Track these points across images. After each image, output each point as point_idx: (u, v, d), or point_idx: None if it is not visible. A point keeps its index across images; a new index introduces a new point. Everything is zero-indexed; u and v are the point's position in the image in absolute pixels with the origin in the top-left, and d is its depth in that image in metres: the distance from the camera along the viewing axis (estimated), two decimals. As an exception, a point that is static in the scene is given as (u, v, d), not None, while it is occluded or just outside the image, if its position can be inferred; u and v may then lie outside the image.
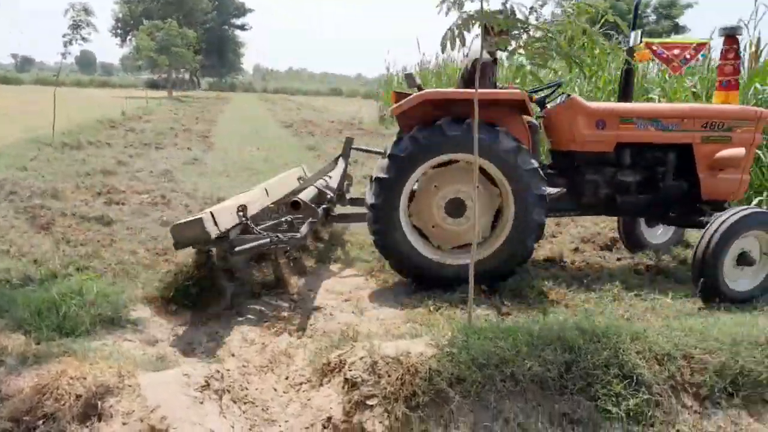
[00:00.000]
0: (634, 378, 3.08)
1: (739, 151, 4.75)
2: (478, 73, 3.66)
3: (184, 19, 48.29)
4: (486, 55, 4.73)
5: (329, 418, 2.92)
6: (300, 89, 61.06)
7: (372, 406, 2.87)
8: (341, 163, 5.99)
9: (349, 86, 68.49)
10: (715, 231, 4.29)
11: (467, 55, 5.22)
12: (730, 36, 5.16)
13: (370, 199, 4.48)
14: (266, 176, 8.86)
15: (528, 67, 3.41)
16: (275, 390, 3.23)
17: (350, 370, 3.01)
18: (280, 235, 4.39)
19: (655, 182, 4.92)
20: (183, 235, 3.97)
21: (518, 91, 4.63)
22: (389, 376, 2.94)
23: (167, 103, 30.69)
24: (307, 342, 3.73)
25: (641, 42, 5.54)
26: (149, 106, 25.09)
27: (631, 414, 2.97)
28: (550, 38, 3.42)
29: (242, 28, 70.49)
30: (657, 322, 3.83)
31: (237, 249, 4.26)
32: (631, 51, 5.46)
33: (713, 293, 4.32)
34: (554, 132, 5.03)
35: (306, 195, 5.24)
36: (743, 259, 4.40)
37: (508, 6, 3.37)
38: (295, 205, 4.85)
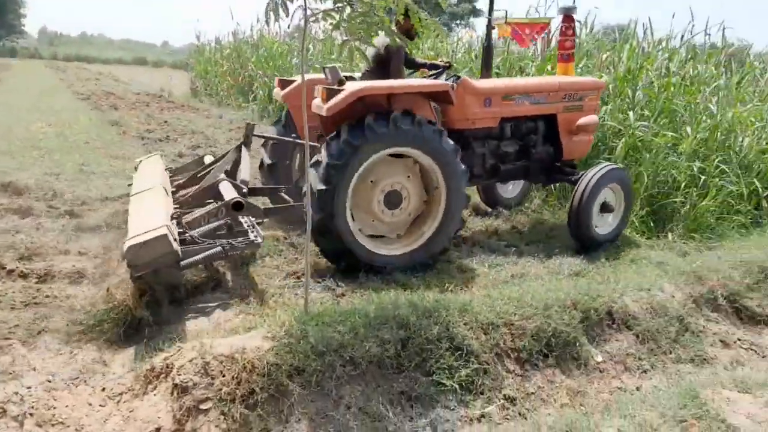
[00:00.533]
0: (464, 349, 3.23)
1: (594, 117, 5.61)
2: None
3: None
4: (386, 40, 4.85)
5: (158, 429, 2.65)
6: (98, 57, 55.09)
7: (206, 410, 2.66)
8: (244, 153, 5.19)
9: (154, 55, 63.40)
10: (587, 185, 5.08)
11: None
12: (567, 15, 5.77)
13: (316, 186, 4.17)
14: (62, 155, 7.90)
15: (353, 43, 3.31)
16: (90, 405, 2.85)
17: (179, 374, 2.75)
18: (232, 242, 3.96)
19: (528, 149, 5.45)
20: (144, 258, 3.37)
21: (443, 82, 4.75)
22: (224, 376, 2.74)
23: (-73, 68, 25.88)
24: (125, 347, 3.35)
25: (506, 21, 6.21)
26: None
27: (464, 385, 3.12)
28: (373, 13, 3.37)
29: (22, -16, 61.55)
30: (479, 291, 4.06)
31: (185, 263, 3.67)
32: (489, 28, 5.90)
33: (586, 237, 5.19)
34: (446, 112, 5.11)
35: (227, 191, 4.53)
36: (605, 208, 5.28)
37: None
38: (238, 206, 4.24)
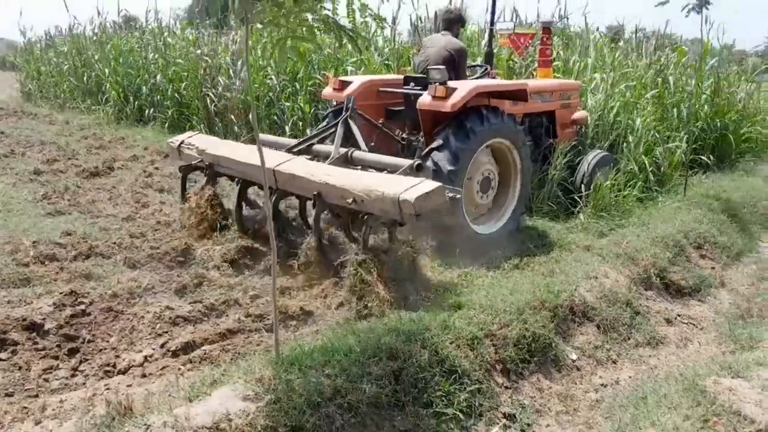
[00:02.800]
0: (458, 371, 3.01)
1: (585, 113, 6.60)
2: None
3: None
4: (460, 42, 5.72)
5: None
6: None
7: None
8: (353, 126, 5.05)
9: (-42, 53, 55.40)
10: (588, 165, 6.06)
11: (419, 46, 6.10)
12: (546, 27, 6.61)
13: (446, 167, 4.61)
14: None
15: (289, 42, 2.96)
16: None
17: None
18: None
19: (538, 139, 6.10)
20: (426, 207, 3.59)
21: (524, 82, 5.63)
22: (216, 456, 2.26)
23: None
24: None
25: (513, 33, 6.90)
26: None
27: (464, 410, 2.89)
28: (317, 6, 2.98)
29: None
30: (444, 300, 3.84)
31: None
32: (491, 36, 6.42)
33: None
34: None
35: None
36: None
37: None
38: (419, 168, 4.46)
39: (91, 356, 3.24)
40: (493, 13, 6.47)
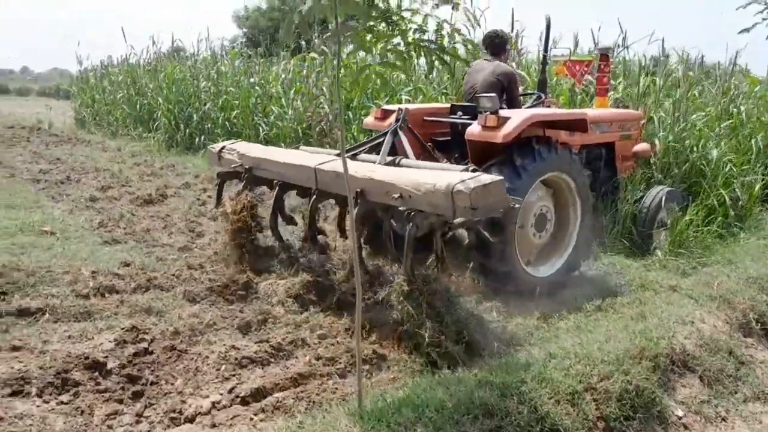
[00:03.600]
0: (560, 431, 2.68)
1: (646, 145, 6.18)
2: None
3: None
4: (509, 67, 5.42)
5: None
6: (-52, 87, 49.44)
7: None
8: (403, 136, 4.82)
9: (15, 82, 57.98)
10: (651, 203, 5.71)
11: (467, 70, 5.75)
12: (604, 54, 6.31)
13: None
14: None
15: (377, 68, 2.82)
16: None
17: None
18: None
19: (596, 172, 5.62)
20: (484, 201, 3.29)
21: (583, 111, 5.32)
22: None
23: None
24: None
25: (569, 60, 6.62)
26: None
27: (569, 476, 2.56)
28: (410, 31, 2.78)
29: None
30: (530, 347, 3.53)
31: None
32: (545, 63, 6.14)
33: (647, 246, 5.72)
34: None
35: None
36: (661, 224, 5.80)
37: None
38: None
39: (156, 400, 3.02)
40: (546, 39, 6.22)
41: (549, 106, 5.73)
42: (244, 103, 10.85)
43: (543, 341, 3.61)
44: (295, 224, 5.00)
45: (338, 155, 4.75)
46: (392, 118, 5.20)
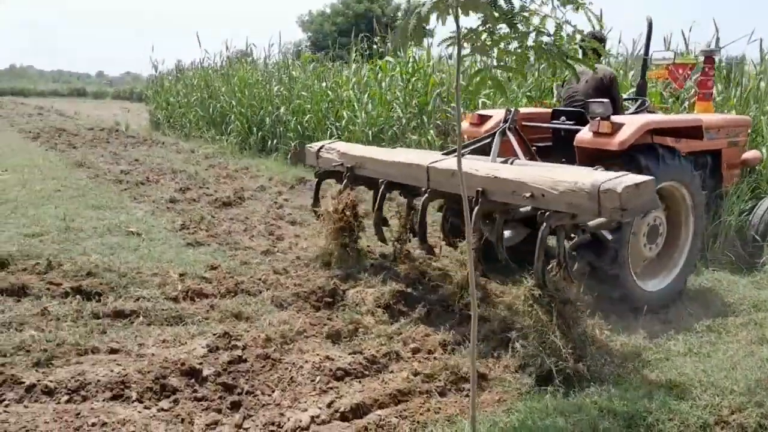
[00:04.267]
0: (694, 469, 2.43)
1: (757, 153, 5.88)
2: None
3: None
4: (610, 69, 5.17)
5: None
6: (33, 90, 52.31)
7: None
8: (512, 137, 4.69)
9: (91, 85, 60.80)
10: (763, 214, 5.41)
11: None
12: (709, 56, 5.98)
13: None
14: (36, 209, 6.70)
15: (495, 73, 2.72)
16: None
17: None
18: None
19: (703, 182, 5.19)
20: (635, 202, 3.13)
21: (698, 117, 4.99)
22: None
23: None
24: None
25: (672, 63, 6.09)
26: None
27: None
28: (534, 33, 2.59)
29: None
30: (645, 371, 3.26)
31: None
32: (645, 67, 5.82)
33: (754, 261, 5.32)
34: None
35: None
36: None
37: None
38: None
39: (254, 412, 2.94)
40: (648, 41, 5.84)
41: (653, 112, 5.44)
42: (316, 108, 10.87)
43: (656, 365, 3.33)
44: (389, 225, 4.92)
45: (447, 154, 4.71)
46: (489, 124, 5.07)
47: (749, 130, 5.87)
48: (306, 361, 3.37)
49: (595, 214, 3.23)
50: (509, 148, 4.64)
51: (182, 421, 2.83)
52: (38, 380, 3.02)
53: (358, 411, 2.90)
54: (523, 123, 5.09)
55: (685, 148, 4.94)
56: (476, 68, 2.64)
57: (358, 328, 3.83)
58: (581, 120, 4.70)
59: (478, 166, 3.91)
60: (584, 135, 4.33)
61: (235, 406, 2.98)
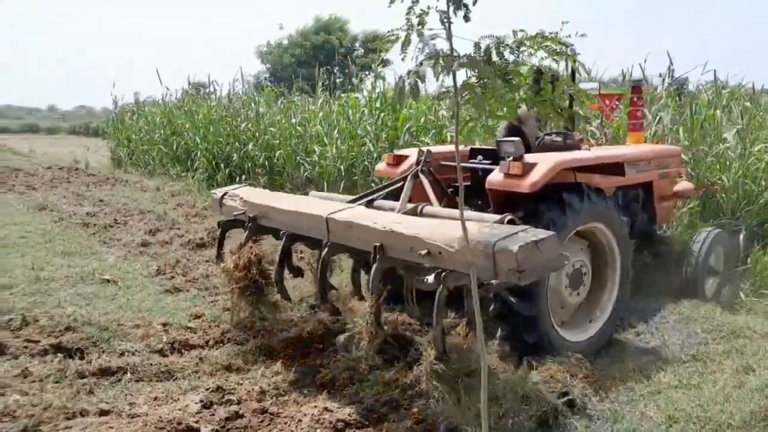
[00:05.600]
0: None
1: (689, 185, 5.75)
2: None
3: None
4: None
5: None
6: (-20, 127, 50.74)
7: None
8: (425, 180, 4.45)
9: (44, 121, 59.38)
10: (701, 247, 5.30)
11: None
12: (636, 86, 6.05)
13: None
14: (1, 259, 6.45)
15: (487, 121, 2.75)
16: None
17: None
18: None
19: (633, 216, 5.10)
20: (534, 262, 2.86)
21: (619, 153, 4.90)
22: None
23: None
24: None
25: (598, 93, 6.02)
26: None
27: None
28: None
29: None
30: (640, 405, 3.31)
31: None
32: (572, 98, 5.21)
33: (696, 295, 5.25)
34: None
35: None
36: (710, 271, 5.44)
37: (483, 46, 2.52)
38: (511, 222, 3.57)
39: (260, 473, 2.87)
40: (573, 71, 5.95)
41: (578, 147, 5.01)
42: (285, 143, 10.86)
43: (649, 398, 3.40)
44: (302, 276, 4.55)
45: (353, 201, 4.44)
46: (405, 165, 4.83)
47: (680, 160, 5.81)
48: (305, 414, 3.32)
49: (492, 276, 2.91)
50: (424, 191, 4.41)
51: (185, 486, 2.74)
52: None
53: (364, 465, 2.86)
54: (442, 163, 4.79)
55: (614, 182, 4.81)
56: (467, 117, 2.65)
57: (353, 376, 3.79)
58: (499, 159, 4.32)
59: (379, 217, 3.64)
60: (495, 177, 4.01)
61: (240, 468, 2.90)
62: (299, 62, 38.44)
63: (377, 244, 3.43)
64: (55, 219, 9.10)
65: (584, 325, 4.29)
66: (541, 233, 2.96)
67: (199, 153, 12.74)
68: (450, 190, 4.54)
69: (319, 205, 4.20)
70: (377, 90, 10.16)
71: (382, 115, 9.64)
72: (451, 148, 5.18)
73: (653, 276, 5.45)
